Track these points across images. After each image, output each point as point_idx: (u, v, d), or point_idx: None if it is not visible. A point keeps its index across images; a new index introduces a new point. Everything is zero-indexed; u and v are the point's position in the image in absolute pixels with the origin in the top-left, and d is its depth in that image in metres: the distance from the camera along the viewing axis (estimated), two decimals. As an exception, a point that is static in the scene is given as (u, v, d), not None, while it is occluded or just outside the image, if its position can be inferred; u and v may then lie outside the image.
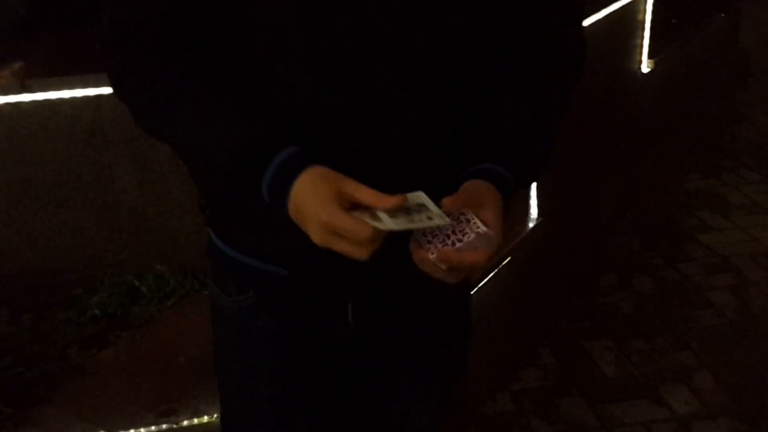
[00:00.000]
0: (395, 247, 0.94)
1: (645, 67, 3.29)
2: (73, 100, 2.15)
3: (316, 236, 0.91)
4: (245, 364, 1.18)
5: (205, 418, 1.78)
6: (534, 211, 2.58)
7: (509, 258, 2.37)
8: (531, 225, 2.54)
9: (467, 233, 0.92)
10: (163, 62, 0.99)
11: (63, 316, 2.08)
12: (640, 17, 3.20)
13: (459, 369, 1.33)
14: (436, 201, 0.93)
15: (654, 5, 3.23)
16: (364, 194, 0.90)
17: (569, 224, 2.92)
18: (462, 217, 0.94)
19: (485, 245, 0.93)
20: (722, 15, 4.15)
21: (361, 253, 0.89)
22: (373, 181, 0.94)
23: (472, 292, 1.42)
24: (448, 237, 0.93)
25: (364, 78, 0.98)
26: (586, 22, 1.23)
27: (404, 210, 0.92)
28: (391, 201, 0.90)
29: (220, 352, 1.23)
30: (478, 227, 0.92)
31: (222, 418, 1.27)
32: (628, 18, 3.13)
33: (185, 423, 1.77)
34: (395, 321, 1.18)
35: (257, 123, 0.97)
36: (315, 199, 0.90)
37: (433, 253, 0.92)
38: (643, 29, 3.22)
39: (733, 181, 4.06)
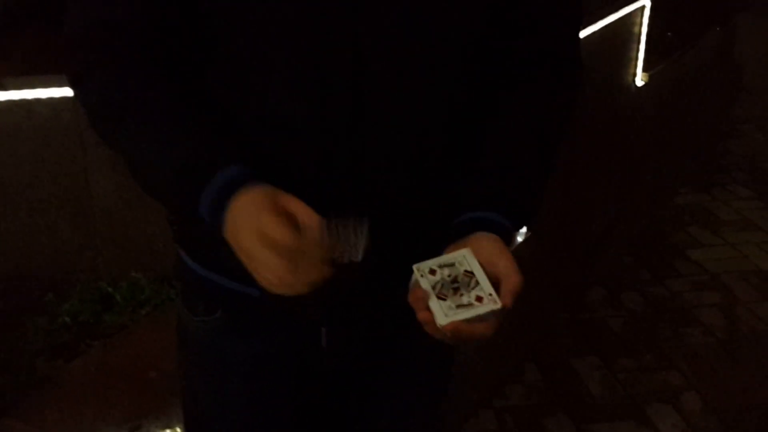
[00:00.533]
0: (372, 269, 0.88)
1: (639, 81, 3.25)
2: (49, 101, 2.08)
3: (246, 248, 0.83)
4: (213, 389, 1.13)
5: (178, 430, 1.72)
6: (523, 225, 2.52)
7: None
8: (519, 239, 2.48)
9: (474, 305, 0.87)
10: (124, 69, 0.93)
11: (32, 323, 2.01)
12: (635, 30, 3.16)
13: (441, 394, 1.28)
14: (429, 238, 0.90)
15: (650, 18, 3.19)
16: (297, 206, 0.83)
17: (558, 239, 2.87)
18: (467, 279, 0.88)
19: (495, 316, 0.88)
20: (718, 29, 4.12)
21: (296, 278, 0.81)
22: (353, 203, 0.89)
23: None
24: (454, 295, 0.87)
25: (352, 90, 0.92)
26: (581, 34, 1.19)
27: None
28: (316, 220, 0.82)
29: (187, 375, 1.17)
30: (493, 300, 0.87)
31: (187, 444, 1.21)
32: (623, 31, 3.09)
33: (155, 439, 1.71)
34: (372, 346, 1.12)
35: (203, 139, 0.90)
36: (249, 211, 0.83)
37: (442, 322, 0.86)
38: (638, 42, 3.18)
39: (724, 197, 4.03)
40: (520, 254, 2.44)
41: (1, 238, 2.17)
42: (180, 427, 1.73)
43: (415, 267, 0.90)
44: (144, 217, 2.21)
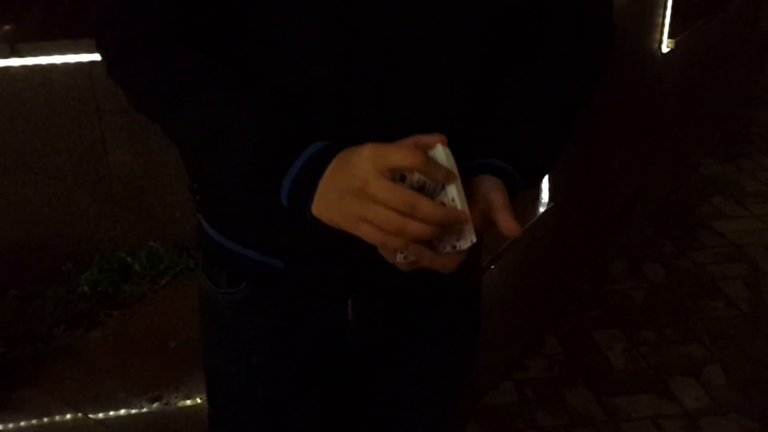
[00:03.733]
0: None
1: (665, 47, 3.16)
2: (65, 67, 2.05)
3: (351, 211, 0.78)
4: (236, 363, 1.10)
5: (189, 402, 1.70)
6: (545, 195, 2.48)
7: (517, 242, 2.28)
8: (541, 209, 2.45)
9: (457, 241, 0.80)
10: (176, 44, 0.89)
11: (51, 293, 2.00)
12: (662, -6, 3.08)
13: (466, 368, 1.25)
14: None
15: (677, -18, 3.11)
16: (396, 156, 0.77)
17: (581, 209, 2.82)
18: (434, 185, 0.80)
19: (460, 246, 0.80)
20: (745, -6, 4.01)
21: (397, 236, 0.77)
22: None
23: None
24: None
25: (378, 53, 0.89)
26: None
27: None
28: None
29: (209, 348, 1.14)
30: (454, 207, 0.78)
31: (210, 417, 1.19)
32: (650, -5, 3.01)
33: (173, 406, 1.69)
34: (398, 319, 1.09)
35: (283, 120, 0.87)
36: (349, 167, 0.79)
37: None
38: (664, 7, 3.09)
39: (749, 167, 3.96)
40: (542, 225, 2.43)
41: (18, 208, 2.16)
42: (200, 398, 1.72)
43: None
44: (162, 185, 2.19)
